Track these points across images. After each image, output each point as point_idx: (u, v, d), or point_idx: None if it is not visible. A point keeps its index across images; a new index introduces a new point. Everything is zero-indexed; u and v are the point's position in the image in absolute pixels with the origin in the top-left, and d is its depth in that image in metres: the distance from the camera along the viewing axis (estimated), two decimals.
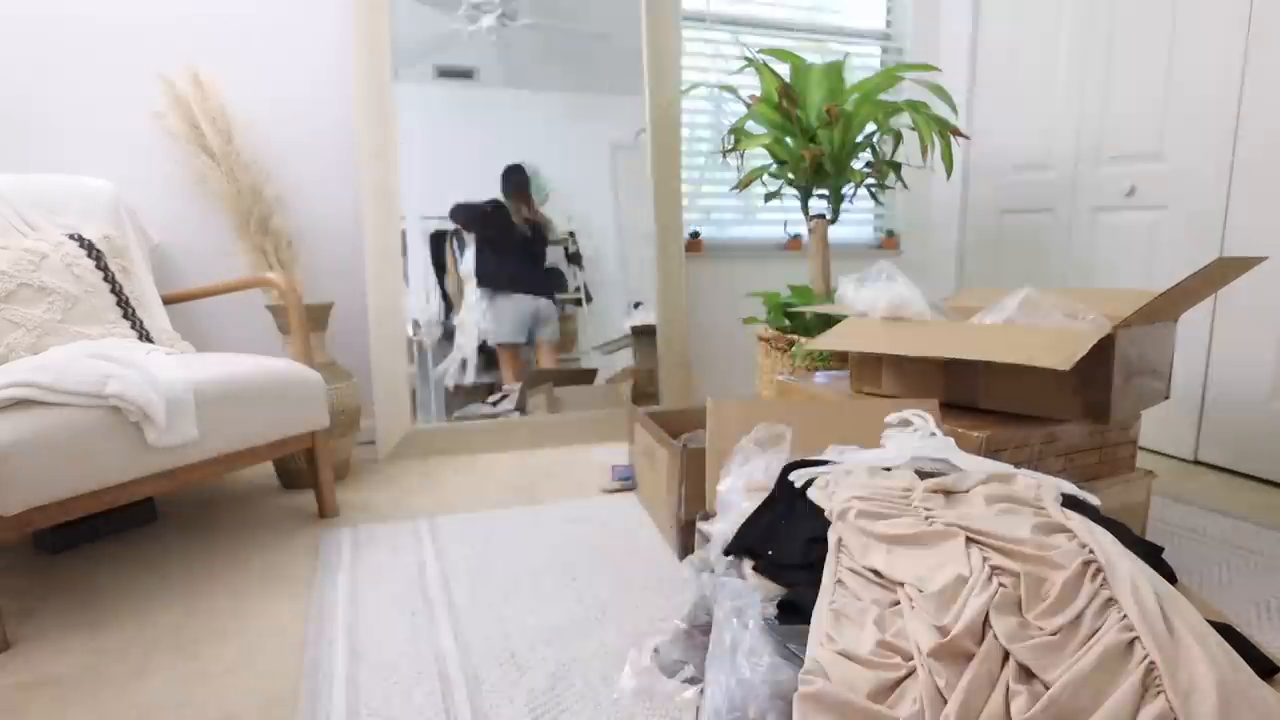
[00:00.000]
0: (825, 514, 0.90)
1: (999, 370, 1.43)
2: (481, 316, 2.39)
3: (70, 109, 2.04)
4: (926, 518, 0.82)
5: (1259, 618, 1.31)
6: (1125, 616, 0.64)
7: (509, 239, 2.40)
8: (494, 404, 2.35)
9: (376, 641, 1.24)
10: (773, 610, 0.82)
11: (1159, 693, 0.58)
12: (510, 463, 2.25)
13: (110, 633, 1.29)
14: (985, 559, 0.73)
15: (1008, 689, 0.60)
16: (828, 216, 2.39)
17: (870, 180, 2.40)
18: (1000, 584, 0.69)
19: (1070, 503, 1.06)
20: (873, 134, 2.34)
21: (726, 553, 0.96)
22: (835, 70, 2.24)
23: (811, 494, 0.96)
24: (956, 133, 2.25)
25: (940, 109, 2.30)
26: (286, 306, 1.86)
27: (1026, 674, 0.62)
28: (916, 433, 1.17)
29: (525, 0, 2.40)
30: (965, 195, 3.00)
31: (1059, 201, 2.58)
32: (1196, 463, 2.18)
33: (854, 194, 2.42)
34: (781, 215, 2.67)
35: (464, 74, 2.39)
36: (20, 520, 1.25)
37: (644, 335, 2.62)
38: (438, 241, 2.36)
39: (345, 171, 2.29)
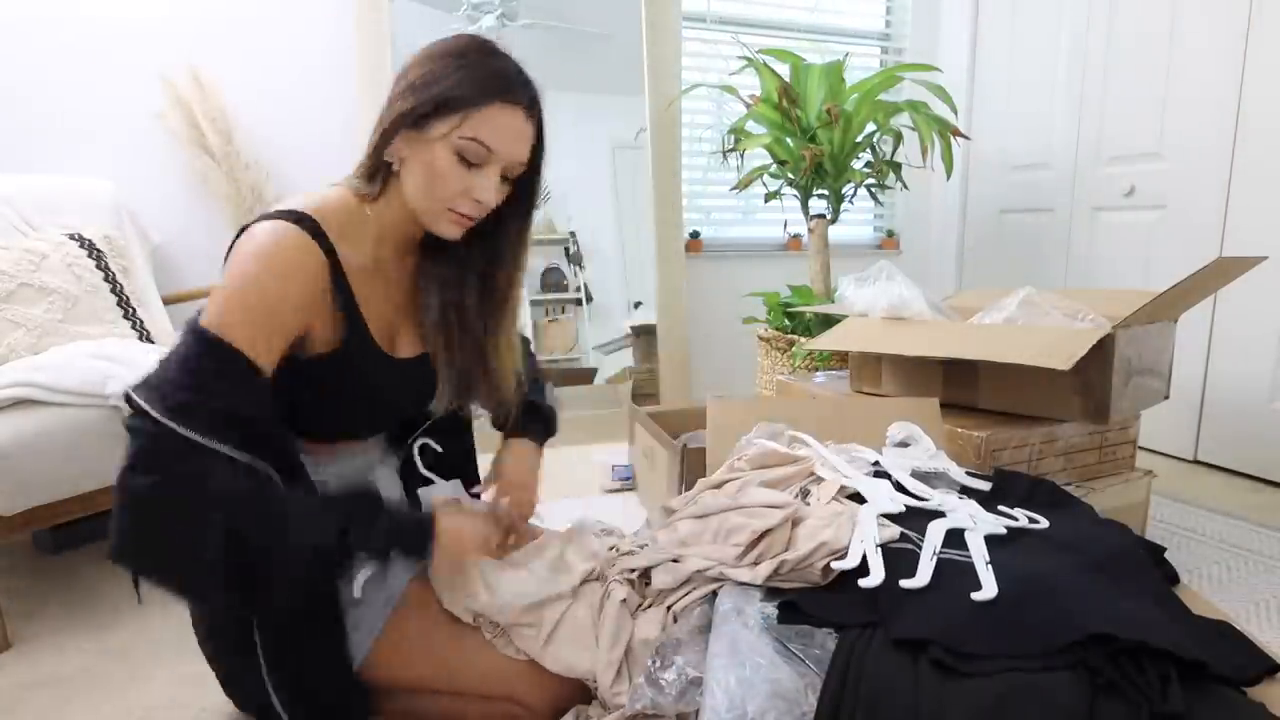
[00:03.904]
0: None
1: (999, 370, 1.43)
2: None
3: (70, 109, 2.04)
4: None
5: (1258, 617, 1.31)
6: None
7: None
8: None
9: None
10: (773, 609, 0.82)
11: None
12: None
13: (111, 633, 1.29)
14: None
15: None
16: (828, 216, 2.39)
17: (870, 180, 2.40)
18: None
19: (1048, 500, 1.07)
20: (873, 134, 2.34)
21: None
22: (835, 70, 2.24)
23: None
24: (956, 133, 2.25)
25: (940, 109, 2.30)
26: None
27: None
28: (918, 446, 1.17)
29: (525, 0, 2.40)
30: (965, 195, 3.00)
31: (1059, 201, 2.58)
32: (1196, 463, 2.18)
33: (854, 194, 2.41)
34: (781, 215, 2.67)
35: None
36: (20, 520, 1.25)
37: (644, 335, 2.62)
38: None
39: (346, 172, 2.28)
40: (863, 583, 0.82)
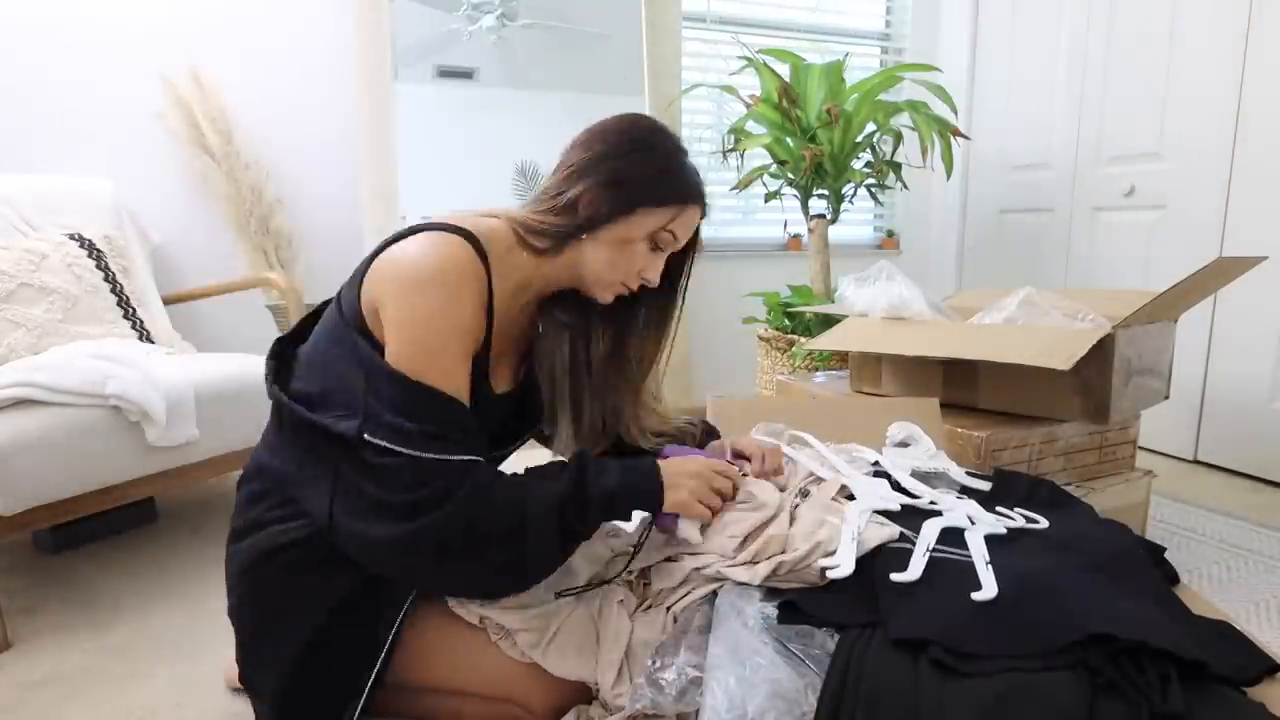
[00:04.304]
0: None
1: (999, 370, 1.43)
2: None
3: (70, 109, 2.04)
4: None
5: (1258, 617, 1.32)
6: None
7: None
8: None
9: None
10: (773, 609, 0.82)
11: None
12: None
13: (111, 632, 1.29)
14: None
15: None
16: (828, 216, 2.39)
17: (870, 180, 2.40)
18: None
19: (1048, 499, 1.07)
20: (873, 134, 2.34)
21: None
22: (835, 70, 2.24)
23: None
24: (956, 133, 2.25)
25: (940, 109, 2.30)
26: (287, 306, 1.86)
27: None
28: (918, 446, 1.16)
29: (525, 0, 2.40)
30: (965, 195, 3.00)
31: (1059, 201, 2.58)
32: (1196, 463, 2.18)
33: (854, 194, 2.41)
34: (781, 215, 2.67)
35: (464, 74, 2.39)
36: (20, 520, 1.25)
37: None
38: None
39: (346, 171, 2.28)
40: (831, 573, 0.82)
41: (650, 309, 1.04)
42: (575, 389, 1.00)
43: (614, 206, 0.90)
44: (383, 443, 0.79)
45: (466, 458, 0.81)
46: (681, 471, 0.90)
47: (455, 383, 0.83)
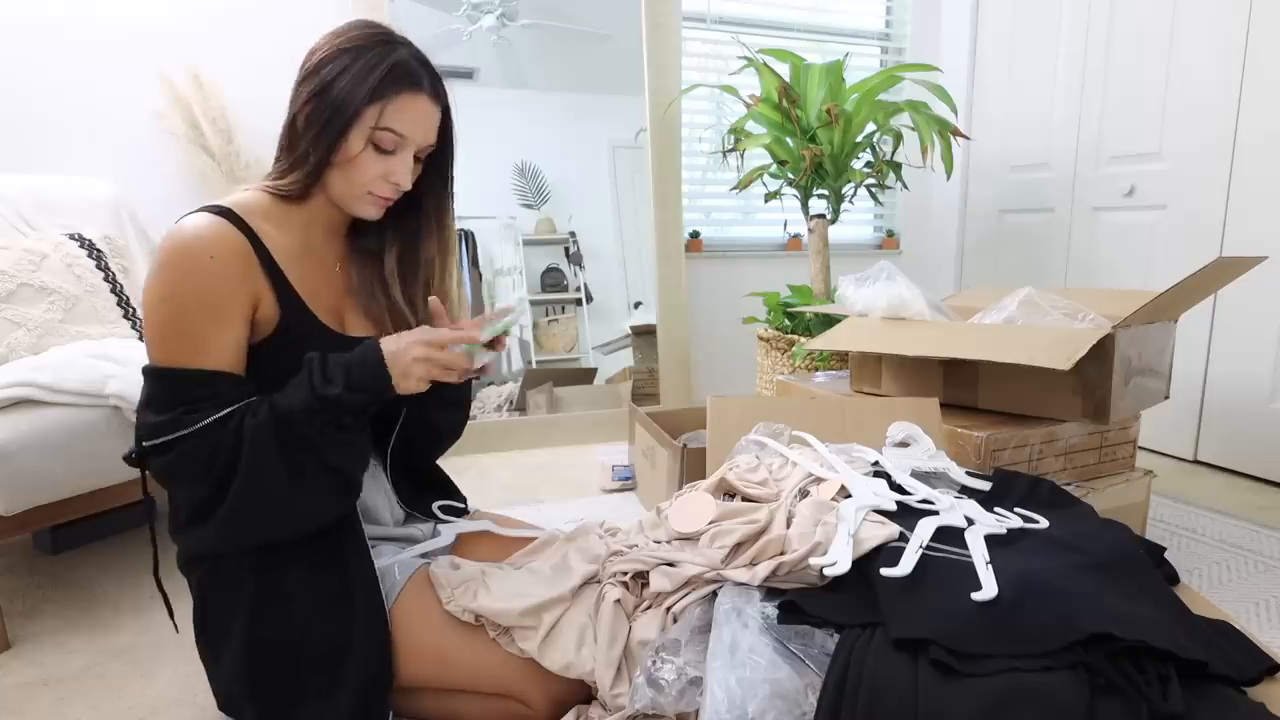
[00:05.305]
0: None
1: (999, 370, 1.43)
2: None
3: (70, 109, 2.04)
4: None
5: (1258, 617, 1.32)
6: None
7: None
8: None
9: None
10: (773, 610, 0.82)
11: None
12: (510, 463, 2.26)
13: (111, 632, 1.29)
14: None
15: None
16: (828, 216, 2.39)
17: (870, 180, 2.40)
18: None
19: (1048, 499, 1.07)
20: (873, 134, 2.34)
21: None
22: (835, 70, 2.24)
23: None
24: (956, 133, 2.25)
25: (940, 109, 2.30)
26: None
27: None
28: (918, 446, 1.16)
29: (525, 0, 2.40)
30: (965, 195, 3.00)
31: (1059, 201, 2.58)
32: (1196, 463, 2.18)
33: (854, 194, 2.42)
34: (781, 215, 2.67)
35: (464, 74, 2.39)
36: (20, 520, 1.24)
37: (644, 335, 2.62)
38: None
39: None
40: (828, 570, 0.82)
41: (430, 209, 1.03)
42: (390, 305, 1.01)
43: (324, 129, 0.90)
44: (153, 441, 0.82)
45: (219, 414, 0.82)
46: (405, 360, 0.87)
47: (208, 354, 0.84)
